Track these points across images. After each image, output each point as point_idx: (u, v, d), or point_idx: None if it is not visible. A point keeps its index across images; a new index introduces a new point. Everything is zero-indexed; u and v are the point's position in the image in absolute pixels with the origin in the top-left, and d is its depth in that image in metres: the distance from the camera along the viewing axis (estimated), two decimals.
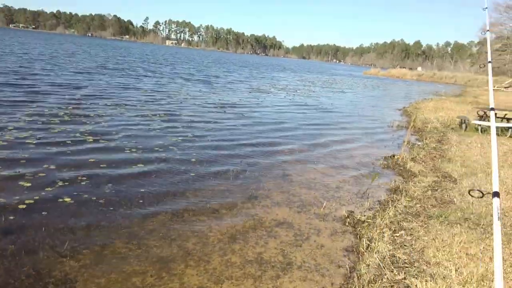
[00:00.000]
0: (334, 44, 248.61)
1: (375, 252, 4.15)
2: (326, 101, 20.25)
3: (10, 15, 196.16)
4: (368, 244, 4.40)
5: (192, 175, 6.24)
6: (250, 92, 20.10)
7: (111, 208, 4.77)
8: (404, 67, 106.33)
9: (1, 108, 9.48)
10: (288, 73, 46.59)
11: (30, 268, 3.43)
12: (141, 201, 5.09)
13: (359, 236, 4.67)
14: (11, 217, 4.24)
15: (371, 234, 4.65)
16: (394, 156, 8.75)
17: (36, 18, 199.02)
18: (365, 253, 4.25)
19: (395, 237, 4.55)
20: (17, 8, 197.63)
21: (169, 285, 3.44)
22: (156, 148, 7.48)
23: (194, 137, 8.73)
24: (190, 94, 16.52)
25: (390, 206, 5.57)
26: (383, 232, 4.65)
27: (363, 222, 5.05)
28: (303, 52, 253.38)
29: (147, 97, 13.89)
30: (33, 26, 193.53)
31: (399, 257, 4.03)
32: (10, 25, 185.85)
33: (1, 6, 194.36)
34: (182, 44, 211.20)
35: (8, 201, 4.60)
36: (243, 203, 5.40)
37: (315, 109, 16.36)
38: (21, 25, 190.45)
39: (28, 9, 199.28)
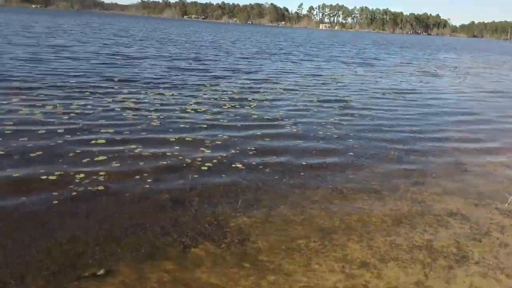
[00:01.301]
0: None
1: None
2: (509, 84, 17.33)
3: (184, 8, 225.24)
4: None
5: (350, 154, 6.16)
6: (415, 75, 18.59)
7: (276, 177, 5.07)
8: None
9: (186, 90, 11.01)
10: (457, 53, 41.39)
11: (211, 217, 3.92)
12: (302, 174, 5.27)
13: None
14: (196, 176, 4.91)
15: None
16: None
17: (204, 10, 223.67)
18: None
19: None
20: (189, 2, 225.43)
21: (332, 253, 3.50)
22: (316, 127, 7.62)
23: (352, 117, 8.58)
24: (350, 77, 16.23)
25: None
26: None
27: None
28: (474, 30, 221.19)
29: (308, 81, 14.18)
30: (203, 17, 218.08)
31: None
32: (184, 17, 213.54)
33: (177, 0, 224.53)
34: (336, 27, 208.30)
35: (193, 162, 5.34)
36: (408, 187, 5.08)
37: (496, 94, 14.11)
38: (193, 16, 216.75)
39: (198, 2, 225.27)
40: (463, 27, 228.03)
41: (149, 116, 7.43)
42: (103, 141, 5.86)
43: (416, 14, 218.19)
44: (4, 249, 3.17)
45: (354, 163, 5.81)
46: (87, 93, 9.03)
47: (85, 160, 5.07)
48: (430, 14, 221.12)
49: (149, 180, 4.64)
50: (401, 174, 5.53)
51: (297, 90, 11.71)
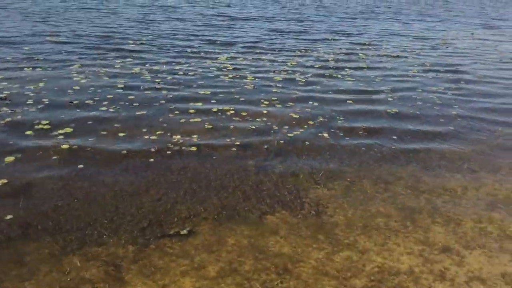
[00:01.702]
0: None
1: None
2: None
3: None
4: None
5: (450, 128, 5.68)
6: None
7: (363, 149, 4.97)
8: None
9: (283, 54, 11.03)
10: None
11: (292, 186, 4.06)
12: (392, 147, 5.07)
13: None
14: (282, 142, 5.05)
15: None
16: None
17: None
18: None
19: None
20: None
21: (412, 235, 3.40)
22: (416, 99, 7.14)
23: (463, 90, 7.79)
24: (466, 41, 14.53)
25: None
26: None
27: None
28: None
29: (415, 45, 13.10)
30: None
31: None
32: None
33: None
34: None
35: (281, 129, 5.48)
36: (511, 168, 4.58)
37: None
38: None
39: None
40: None
41: (244, 80, 7.70)
42: (199, 103, 6.30)
43: None
44: (103, 201, 3.68)
45: (454, 138, 5.38)
46: (191, 55, 9.63)
47: (182, 120, 5.55)
48: None
49: (237, 143, 4.93)
50: (507, 155, 4.98)
51: (403, 56, 10.91)
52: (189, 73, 7.99)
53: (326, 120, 5.87)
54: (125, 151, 4.59)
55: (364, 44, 12.36)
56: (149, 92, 6.71)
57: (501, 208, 3.84)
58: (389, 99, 6.97)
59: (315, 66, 9.17)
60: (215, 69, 8.44)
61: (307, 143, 5.07)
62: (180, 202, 3.72)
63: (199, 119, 5.63)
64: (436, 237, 3.38)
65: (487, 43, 13.78)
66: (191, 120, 5.60)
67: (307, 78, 8.10)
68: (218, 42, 11.48)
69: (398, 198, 3.95)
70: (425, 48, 12.11)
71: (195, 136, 5.10)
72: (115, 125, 5.30)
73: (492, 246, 3.27)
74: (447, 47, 12.43)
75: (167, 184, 3.99)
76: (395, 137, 5.39)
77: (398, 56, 10.75)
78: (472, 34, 15.83)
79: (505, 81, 8.68)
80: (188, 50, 10.21)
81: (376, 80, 8.17)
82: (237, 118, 5.75)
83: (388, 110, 6.38)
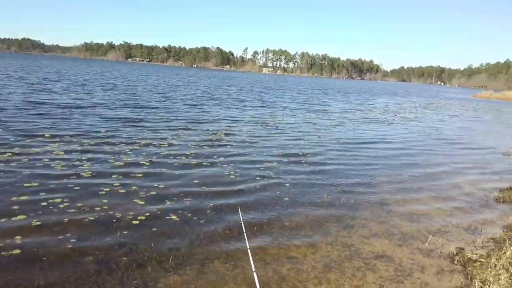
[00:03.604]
0: (438, 66, 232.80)
1: None
2: (430, 125, 18.91)
3: (129, 50, 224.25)
4: (481, 286, 3.92)
5: (285, 199, 6.29)
6: (349, 117, 19.72)
7: (212, 228, 5.02)
8: None
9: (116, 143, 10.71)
10: (391, 97, 44.67)
11: (139, 280, 3.75)
12: (239, 223, 5.26)
13: (470, 277, 4.19)
14: (125, 232, 4.71)
15: (485, 275, 4.14)
16: (511, 188, 7.75)
17: (150, 52, 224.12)
18: None
19: None
20: (134, 44, 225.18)
21: None
22: (254, 171, 7.73)
23: (290, 162, 8.83)
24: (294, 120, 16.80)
25: (507, 245, 4.92)
26: (499, 274, 4.11)
27: (475, 261, 4.53)
28: (403, 74, 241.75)
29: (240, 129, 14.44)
30: (147, 60, 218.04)
31: None
32: (129, 59, 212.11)
33: (122, 42, 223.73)
34: (278, 72, 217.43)
35: (124, 217, 5.14)
36: (339, 231, 5.26)
37: (418, 135, 15.34)
38: (137, 58, 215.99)
39: (143, 44, 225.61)
40: (393, 71, 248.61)
41: (79, 167, 7.12)
42: (25, 197, 5.49)
43: (351, 59, 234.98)
44: None
45: (288, 208, 5.93)
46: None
47: (2, 220, 4.70)
48: (364, 60, 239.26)
49: (73, 240, 4.38)
50: (334, 218, 5.72)
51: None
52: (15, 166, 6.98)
53: (173, 202, 5.79)
54: None
55: (209, 129, 13.14)
56: None
57: (334, 268, 4.30)
58: (232, 176, 7.37)
59: (152, 153, 9.20)
60: (44, 158, 7.61)
61: (153, 228, 4.86)
62: None
63: (23, 217, 4.85)
64: None
65: (319, 124, 16.31)
66: (13, 218, 4.79)
67: (151, 160, 8.00)
68: (49, 134, 10.52)
69: (248, 273, 4.04)
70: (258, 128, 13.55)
71: (18, 237, 4.34)
72: None
73: None
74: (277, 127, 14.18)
75: None
76: (241, 212, 5.63)
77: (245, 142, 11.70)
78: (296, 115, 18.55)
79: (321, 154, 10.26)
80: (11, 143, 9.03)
81: (219, 157, 8.62)
82: (72, 210, 5.18)
83: (231, 185, 6.70)
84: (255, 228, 5.15)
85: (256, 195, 6.38)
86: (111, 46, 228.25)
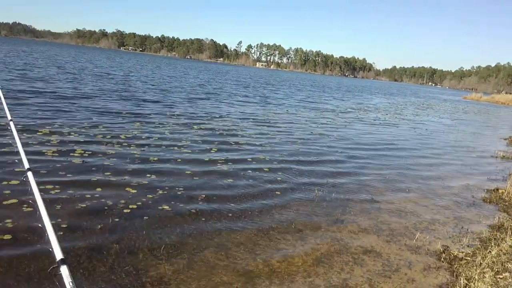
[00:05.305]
0: (430, 67, 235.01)
1: None
2: (420, 126, 19.12)
3: (122, 38, 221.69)
4: (466, 284, 4.02)
5: (277, 193, 6.34)
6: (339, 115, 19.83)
7: (203, 219, 5.04)
8: (510, 93, 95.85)
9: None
10: (385, 96, 44.98)
11: (130, 266, 3.77)
12: (229, 214, 5.30)
13: (456, 274, 4.29)
14: (116, 220, 4.72)
15: (470, 273, 4.24)
16: (498, 189, 7.91)
17: (143, 42, 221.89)
18: None
19: (498, 279, 4.09)
20: (127, 33, 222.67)
21: None
22: (247, 166, 7.76)
23: (283, 155, 8.88)
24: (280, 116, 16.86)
25: (492, 244, 5.03)
26: (484, 272, 4.22)
27: (461, 259, 4.63)
28: (395, 74, 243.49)
29: (231, 124, 14.47)
30: (140, 49, 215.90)
31: None
32: (121, 48, 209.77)
33: (115, 31, 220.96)
34: (272, 66, 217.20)
35: (116, 205, 5.14)
36: (329, 226, 5.32)
37: (408, 134, 15.52)
38: (130, 48, 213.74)
39: (137, 33, 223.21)
40: (385, 71, 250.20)
41: (70, 155, 7.07)
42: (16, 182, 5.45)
43: (345, 57, 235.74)
44: None
45: (280, 202, 5.98)
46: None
47: None
48: (358, 58, 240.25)
49: (64, 226, 4.37)
50: (324, 212, 5.79)
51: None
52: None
53: (165, 191, 5.80)
54: None
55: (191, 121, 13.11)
56: None
57: (323, 261, 4.36)
58: (225, 169, 7.39)
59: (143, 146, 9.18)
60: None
61: (145, 217, 4.87)
62: None
63: (15, 200, 4.83)
64: None
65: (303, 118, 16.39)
66: (4, 202, 4.75)
67: (143, 150, 7.98)
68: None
69: (238, 263, 4.08)
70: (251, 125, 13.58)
71: (8, 221, 4.31)
72: None
73: None
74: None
75: None
76: (232, 204, 5.67)
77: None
78: (287, 111, 18.62)
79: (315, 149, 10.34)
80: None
81: (210, 150, 8.64)
82: (64, 196, 5.16)
83: (223, 179, 6.72)
84: (246, 219, 5.19)
85: (248, 189, 6.41)
86: (103, 34, 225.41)
